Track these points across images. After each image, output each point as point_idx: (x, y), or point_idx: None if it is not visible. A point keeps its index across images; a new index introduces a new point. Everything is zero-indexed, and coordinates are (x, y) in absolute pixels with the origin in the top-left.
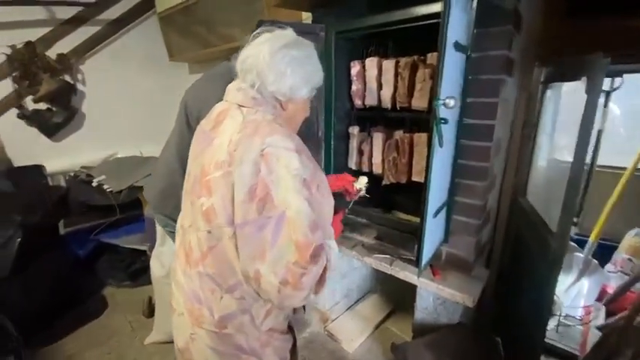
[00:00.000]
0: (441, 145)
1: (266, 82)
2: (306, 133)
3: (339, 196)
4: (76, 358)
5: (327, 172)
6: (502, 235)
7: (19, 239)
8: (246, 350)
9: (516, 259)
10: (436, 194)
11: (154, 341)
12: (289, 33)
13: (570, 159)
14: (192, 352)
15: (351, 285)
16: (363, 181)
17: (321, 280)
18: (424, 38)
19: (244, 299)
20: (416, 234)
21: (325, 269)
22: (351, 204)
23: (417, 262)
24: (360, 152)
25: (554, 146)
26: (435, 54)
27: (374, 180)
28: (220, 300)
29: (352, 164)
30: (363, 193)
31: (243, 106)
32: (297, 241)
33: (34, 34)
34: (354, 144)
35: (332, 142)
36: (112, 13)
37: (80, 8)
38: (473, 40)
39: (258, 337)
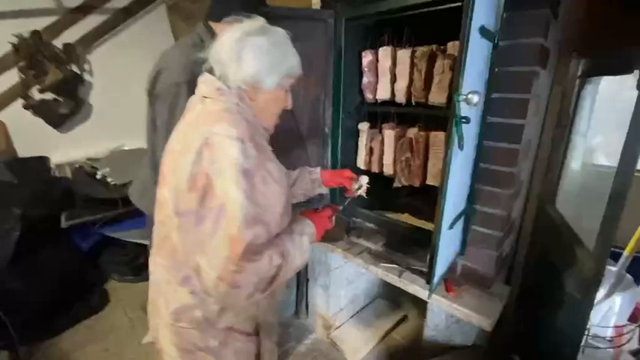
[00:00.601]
0: (460, 147)
1: (228, 71)
2: (310, 129)
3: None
4: (73, 354)
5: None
6: (526, 246)
7: (18, 232)
8: (201, 347)
9: (542, 274)
10: (453, 203)
11: (150, 341)
12: (256, 22)
13: (607, 163)
14: (160, 342)
15: (357, 290)
16: (363, 181)
17: (272, 281)
18: (444, 25)
19: (195, 293)
20: (428, 243)
21: (279, 268)
22: (346, 203)
23: (428, 279)
24: (370, 151)
25: (590, 148)
26: (457, 43)
27: (384, 181)
28: (174, 292)
29: (361, 163)
30: (361, 192)
31: (207, 97)
32: (231, 236)
33: (41, 22)
34: (363, 141)
35: (339, 139)
36: (120, 1)
37: None
38: (502, 26)
39: (215, 335)
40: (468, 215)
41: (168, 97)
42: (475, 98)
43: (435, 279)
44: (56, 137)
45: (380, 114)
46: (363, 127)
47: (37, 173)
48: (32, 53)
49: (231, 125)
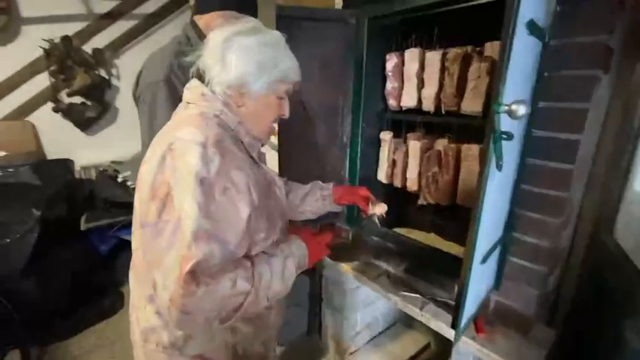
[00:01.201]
0: (499, 168)
1: (213, 74)
2: (326, 138)
3: (332, 215)
4: (80, 359)
5: (351, 183)
6: (574, 283)
7: (37, 233)
8: None
9: (594, 318)
10: (488, 233)
11: None
12: (247, 23)
13: None
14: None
15: (374, 313)
16: (381, 209)
17: (237, 309)
18: (481, 23)
19: (160, 314)
20: (457, 271)
21: (246, 295)
22: (353, 231)
23: (454, 322)
24: (393, 163)
25: None
26: (496, 43)
27: (408, 196)
28: (144, 310)
29: (382, 176)
30: (376, 220)
31: (190, 103)
32: (181, 253)
33: (72, 28)
34: (385, 152)
35: (359, 150)
36: (147, 7)
37: (116, 3)
38: (554, 21)
39: None
40: (505, 244)
41: (147, 98)
42: (521, 110)
43: (463, 322)
44: (83, 140)
45: (404, 123)
46: (386, 136)
47: (60, 176)
48: (62, 58)
49: (197, 129)
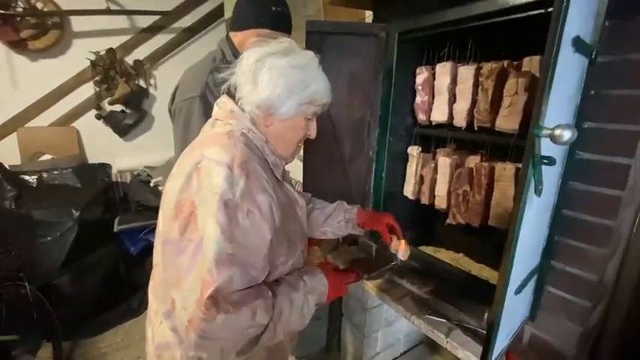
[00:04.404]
0: (538, 193)
1: (244, 93)
2: (352, 152)
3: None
4: (108, 357)
5: (376, 198)
6: (621, 319)
7: (75, 233)
8: None
9: None
10: (524, 262)
11: None
12: (281, 44)
13: None
14: None
15: (397, 334)
16: (404, 254)
17: (255, 341)
18: (518, 37)
19: (176, 331)
20: (487, 297)
21: (265, 328)
22: (375, 273)
23: (483, 356)
24: (421, 179)
25: None
26: (534, 58)
27: (434, 214)
28: (160, 325)
29: (409, 192)
30: (397, 262)
31: (218, 120)
32: (202, 276)
33: (116, 41)
34: (412, 168)
35: (385, 164)
36: (185, 22)
37: (157, 17)
38: (602, 37)
39: None
40: (542, 273)
41: (182, 114)
42: (567, 135)
43: (493, 358)
44: (121, 145)
45: (434, 138)
46: (414, 151)
47: (99, 179)
48: (106, 69)
49: (223, 149)
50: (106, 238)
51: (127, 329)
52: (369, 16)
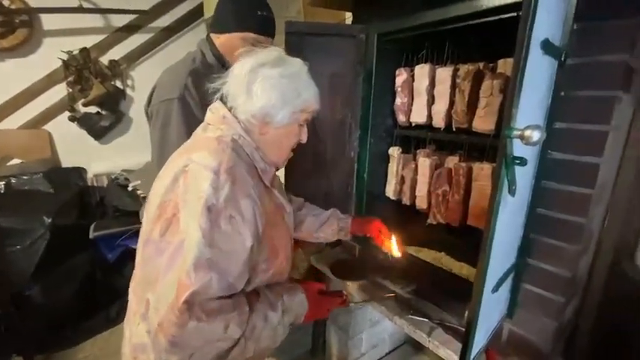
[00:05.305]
0: (512, 193)
1: (238, 102)
2: (335, 154)
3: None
4: None
5: (359, 199)
6: (593, 313)
7: (47, 240)
8: None
9: (615, 352)
10: (500, 260)
11: None
12: (271, 52)
13: None
14: None
15: (382, 334)
16: (397, 252)
17: (225, 355)
18: (493, 39)
19: (150, 333)
20: (467, 293)
21: (235, 343)
22: (361, 301)
23: (462, 357)
24: (401, 180)
25: None
26: (508, 60)
27: (416, 214)
28: (137, 326)
29: (390, 193)
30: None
31: (209, 125)
32: (179, 278)
33: (91, 40)
34: (393, 168)
35: (366, 165)
36: (163, 21)
37: (134, 16)
38: (571, 39)
39: None
40: (519, 270)
41: (159, 116)
42: (536, 135)
43: (472, 355)
44: (97, 148)
45: (414, 139)
46: (394, 152)
47: (73, 183)
48: (80, 69)
49: (211, 154)
50: (81, 245)
51: (106, 338)
52: (349, 17)
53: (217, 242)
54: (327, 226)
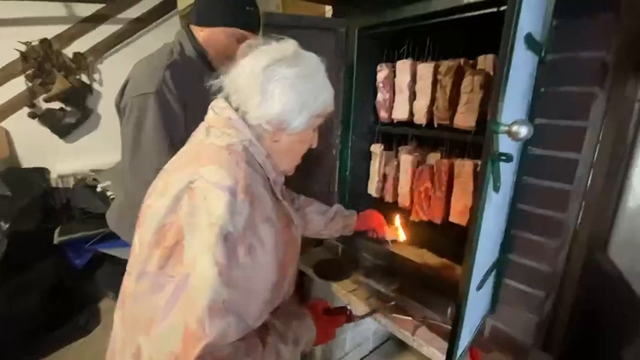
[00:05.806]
0: (496, 190)
1: (249, 105)
2: (318, 151)
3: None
4: None
5: (342, 197)
6: (569, 305)
7: (5, 248)
8: None
9: (590, 342)
10: (484, 257)
11: None
12: (287, 46)
13: None
14: None
15: (366, 332)
16: (402, 237)
17: None
18: (475, 35)
19: None
20: (450, 292)
21: None
22: (365, 314)
23: (448, 355)
24: (384, 177)
25: None
26: (488, 56)
27: (398, 212)
28: None
29: (372, 190)
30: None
31: (212, 127)
32: (187, 327)
33: (52, 31)
34: (375, 166)
35: (348, 163)
36: (133, 12)
37: (100, 6)
38: (550, 35)
39: None
40: (501, 266)
41: (134, 111)
42: (524, 131)
43: (458, 354)
44: (61, 147)
45: (396, 136)
46: (376, 149)
47: (34, 185)
48: (40, 61)
49: (224, 168)
50: (45, 252)
51: (77, 349)
52: (328, 10)
53: (235, 280)
54: (333, 223)
